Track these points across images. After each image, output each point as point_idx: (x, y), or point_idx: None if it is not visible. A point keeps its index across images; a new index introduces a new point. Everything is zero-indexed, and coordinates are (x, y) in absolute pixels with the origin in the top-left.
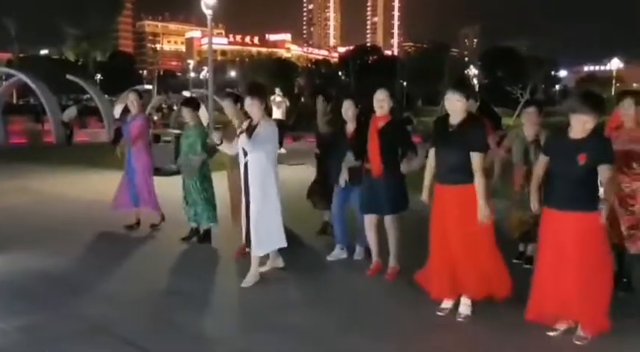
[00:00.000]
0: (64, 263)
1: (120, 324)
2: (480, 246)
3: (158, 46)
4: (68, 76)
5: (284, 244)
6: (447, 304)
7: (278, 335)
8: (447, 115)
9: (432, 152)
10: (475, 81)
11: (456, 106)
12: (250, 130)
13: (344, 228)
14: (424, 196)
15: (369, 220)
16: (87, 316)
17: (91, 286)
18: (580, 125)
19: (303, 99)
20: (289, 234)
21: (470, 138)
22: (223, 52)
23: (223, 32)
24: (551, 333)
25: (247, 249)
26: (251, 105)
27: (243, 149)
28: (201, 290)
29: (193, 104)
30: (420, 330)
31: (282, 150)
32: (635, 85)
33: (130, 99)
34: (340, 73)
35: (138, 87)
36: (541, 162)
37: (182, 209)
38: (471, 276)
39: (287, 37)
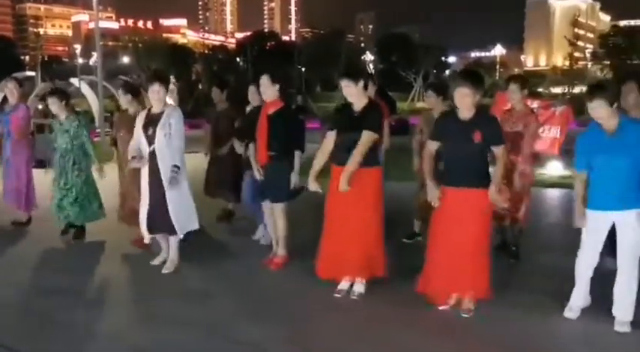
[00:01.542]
0: None
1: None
2: (370, 228)
3: (41, 31)
4: None
5: (197, 225)
6: (344, 285)
7: (171, 327)
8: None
9: (330, 137)
10: (371, 66)
11: (348, 92)
12: (155, 119)
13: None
14: (312, 180)
15: (265, 207)
16: None
17: None
18: (462, 99)
19: (200, 86)
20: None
21: (367, 119)
22: (115, 37)
23: (113, 16)
24: (441, 307)
25: (146, 240)
26: (158, 92)
27: (148, 137)
28: (87, 285)
29: (60, 94)
30: (312, 313)
31: None
32: (516, 69)
33: (9, 87)
34: (238, 60)
35: (17, 74)
36: (431, 148)
37: (54, 205)
38: (357, 257)
39: (182, 22)
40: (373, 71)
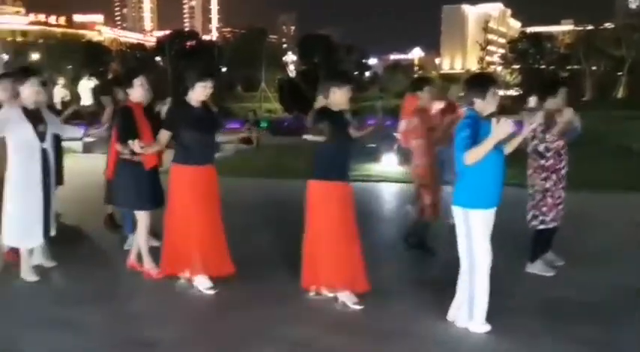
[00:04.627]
0: None
1: None
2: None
3: None
4: None
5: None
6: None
7: (64, 332)
8: (329, 109)
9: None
10: (292, 67)
11: (345, 99)
12: (38, 116)
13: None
14: None
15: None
16: None
17: None
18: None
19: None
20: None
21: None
22: (24, 33)
23: (23, 10)
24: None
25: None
26: (38, 88)
27: (39, 134)
28: None
29: None
30: (194, 315)
31: (91, 139)
32: (433, 72)
33: None
34: (158, 58)
35: None
36: None
37: None
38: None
39: (98, 18)
40: (295, 72)
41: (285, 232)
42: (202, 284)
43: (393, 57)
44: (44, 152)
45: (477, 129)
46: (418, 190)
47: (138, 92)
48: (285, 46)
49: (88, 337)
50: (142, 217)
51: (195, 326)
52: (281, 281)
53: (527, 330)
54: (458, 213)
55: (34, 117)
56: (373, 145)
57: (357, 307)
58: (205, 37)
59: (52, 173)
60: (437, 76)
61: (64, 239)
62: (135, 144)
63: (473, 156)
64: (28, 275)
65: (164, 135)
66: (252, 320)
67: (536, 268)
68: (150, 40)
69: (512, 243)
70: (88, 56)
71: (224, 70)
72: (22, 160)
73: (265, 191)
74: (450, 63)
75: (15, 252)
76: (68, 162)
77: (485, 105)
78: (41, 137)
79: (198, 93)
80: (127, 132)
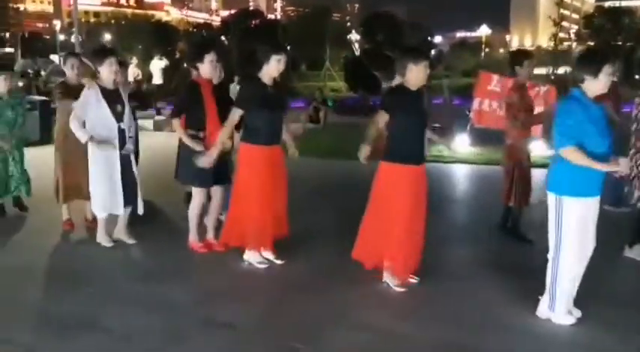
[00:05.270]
0: None
1: None
2: None
3: (21, 7)
4: None
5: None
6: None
7: (138, 309)
8: (404, 87)
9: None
10: (357, 46)
11: (424, 75)
12: (116, 95)
13: None
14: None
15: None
16: None
17: None
18: None
19: (185, 65)
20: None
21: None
22: (96, 14)
23: None
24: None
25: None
26: (116, 68)
27: (117, 115)
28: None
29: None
30: (267, 295)
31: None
32: (501, 50)
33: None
34: (223, 38)
35: None
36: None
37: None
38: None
39: None
40: (359, 51)
41: (355, 214)
42: (254, 258)
43: (460, 35)
44: (122, 132)
45: (584, 114)
46: (511, 173)
47: (208, 68)
48: (349, 24)
49: (168, 316)
50: (198, 193)
51: (269, 307)
52: (350, 263)
53: (624, 323)
54: (551, 199)
55: (112, 97)
56: (437, 125)
57: (400, 289)
58: (270, 16)
59: (131, 152)
60: (506, 53)
61: (140, 216)
62: (197, 145)
63: (573, 157)
64: (103, 240)
65: (236, 113)
66: (325, 303)
67: (634, 253)
68: (215, 19)
69: (610, 227)
70: (156, 36)
71: (288, 48)
72: (100, 141)
73: (333, 171)
74: (520, 40)
75: (70, 224)
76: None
77: (596, 84)
78: (118, 117)
79: (273, 67)
80: (186, 106)
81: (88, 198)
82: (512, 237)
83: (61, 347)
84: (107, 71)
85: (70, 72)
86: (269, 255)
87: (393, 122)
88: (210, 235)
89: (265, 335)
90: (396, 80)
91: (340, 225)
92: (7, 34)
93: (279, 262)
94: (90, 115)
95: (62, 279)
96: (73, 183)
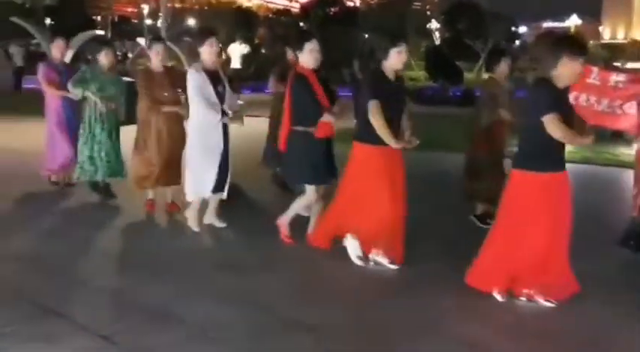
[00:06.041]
0: None
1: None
2: None
3: None
4: (13, 19)
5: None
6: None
7: (219, 302)
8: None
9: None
10: (438, 35)
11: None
12: (216, 76)
13: None
14: None
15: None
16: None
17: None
18: None
19: (263, 50)
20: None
21: None
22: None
23: None
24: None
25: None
26: (216, 49)
27: (219, 95)
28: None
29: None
30: (351, 297)
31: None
32: (592, 41)
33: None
34: (302, 24)
35: (89, 32)
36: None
37: (83, 165)
38: None
39: None
40: (440, 40)
41: (445, 212)
42: (354, 249)
43: (546, 25)
44: (224, 113)
45: None
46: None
47: (307, 57)
48: (428, 13)
49: (251, 311)
50: (311, 191)
51: (352, 311)
52: (443, 267)
53: None
54: None
55: (214, 78)
56: None
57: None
58: (349, 4)
59: (229, 135)
60: (597, 46)
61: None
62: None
63: None
64: (193, 224)
65: (377, 106)
66: (412, 310)
67: None
68: (294, 6)
69: None
70: (237, 21)
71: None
72: (205, 122)
73: (420, 164)
74: (612, 32)
75: (152, 205)
76: None
77: None
78: (221, 98)
79: (394, 60)
80: (306, 106)
81: (174, 183)
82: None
83: (141, 339)
84: (208, 51)
85: (155, 58)
86: (382, 258)
87: (538, 125)
88: (310, 230)
89: (351, 341)
90: (542, 72)
91: (439, 223)
92: (99, 18)
93: (393, 267)
94: (199, 98)
95: (144, 266)
96: (164, 170)
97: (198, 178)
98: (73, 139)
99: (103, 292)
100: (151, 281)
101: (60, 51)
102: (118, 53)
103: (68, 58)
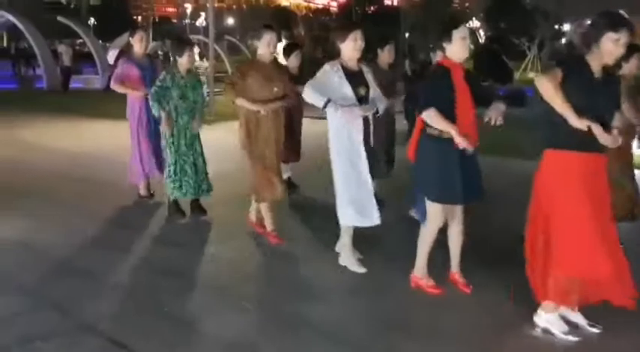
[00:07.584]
0: (36, 229)
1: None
2: None
3: None
4: (59, 18)
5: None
6: None
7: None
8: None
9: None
10: (482, 33)
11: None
12: (358, 74)
13: None
14: None
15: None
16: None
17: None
18: None
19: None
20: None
21: None
22: None
23: None
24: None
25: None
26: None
27: (364, 98)
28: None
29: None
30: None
31: None
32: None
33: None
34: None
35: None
36: None
37: (171, 179)
38: None
39: None
40: (484, 38)
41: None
42: (549, 319)
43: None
44: (366, 121)
45: None
46: None
47: (457, 48)
48: (468, 11)
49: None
50: (437, 211)
51: None
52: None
53: None
54: None
55: (354, 78)
56: None
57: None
58: (388, 2)
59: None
60: None
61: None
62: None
63: None
64: (348, 261)
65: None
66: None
67: None
68: (333, 5)
69: None
70: (275, 20)
71: (407, 35)
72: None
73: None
74: None
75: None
76: None
77: None
78: (362, 102)
79: (459, 45)
80: (433, 96)
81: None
82: None
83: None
84: (351, 47)
85: (266, 49)
86: (578, 317)
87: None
88: (454, 270)
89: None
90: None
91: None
92: (140, 18)
93: (595, 330)
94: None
95: (225, 293)
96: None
97: (354, 198)
98: (157, 147)
99: (174, 319)
100: (227, 309)
101: (141, 44)
102: (160, 52)
103: (112, 58)
